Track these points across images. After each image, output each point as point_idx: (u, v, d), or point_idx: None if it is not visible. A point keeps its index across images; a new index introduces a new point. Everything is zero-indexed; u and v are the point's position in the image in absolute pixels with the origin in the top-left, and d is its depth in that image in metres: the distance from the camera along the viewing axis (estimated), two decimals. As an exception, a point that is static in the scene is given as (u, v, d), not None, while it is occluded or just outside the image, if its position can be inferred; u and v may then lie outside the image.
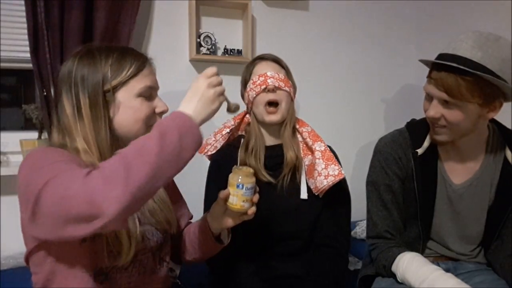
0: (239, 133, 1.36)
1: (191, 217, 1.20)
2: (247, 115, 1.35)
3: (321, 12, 1.98)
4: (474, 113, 1.05)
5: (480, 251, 1.25)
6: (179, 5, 1.74)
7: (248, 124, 1.34)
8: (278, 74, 1.24)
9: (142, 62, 0.92)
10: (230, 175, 0.94)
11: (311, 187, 1.23)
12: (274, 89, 1.22)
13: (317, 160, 1.20)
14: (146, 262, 0.95)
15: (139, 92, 0.90)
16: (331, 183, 1.17)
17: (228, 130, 1.31)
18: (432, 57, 1.12)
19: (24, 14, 1.43)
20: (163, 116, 0.92)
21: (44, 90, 1.46)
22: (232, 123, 1.33)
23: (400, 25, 2.11)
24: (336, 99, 2.02)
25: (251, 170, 0.94)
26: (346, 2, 2.02)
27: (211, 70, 0.84)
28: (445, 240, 1.23)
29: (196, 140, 0.76)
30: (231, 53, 1.80)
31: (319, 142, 1.25)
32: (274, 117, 1.23)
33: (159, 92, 0.98)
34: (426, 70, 1.19)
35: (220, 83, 0.84)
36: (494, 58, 1.01)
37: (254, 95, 1.24)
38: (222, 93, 0.84)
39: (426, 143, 1.19)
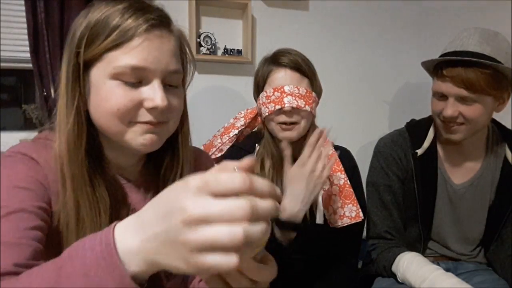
0: (250, 130, 1.20)
1: None
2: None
3: (321, 12, 1.98)
4: (491, 106, 1.07)
5: (480, 251, 1.25)
6: (179, 5, 1.74)
7: (264, 125, 1.15)
8: (299, 89, 1.03)
9: (134, 27, 0.61)
10: None
11: (326, 217, 1.11)
12: (291, 111, 1.03)
13: (333, 197, 1.08)
14: None
15: (114, 72, 0.62)
16: (345, 224, 1.06)
17: (236, 131, 1.15)
18: (432, 57, 1.12)
19: (24, 14, 1.43)
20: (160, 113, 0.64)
21: (44, 90, 1.46)
22: (242, 123, 1.16)
23: (400, 25, 2.11)
24: (336, 99, 2.02)
25: None
26: (346, 2, 2.01)
27: (230, 180, 0.36)
28: (446, 240, 1.23)
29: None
30: (231, 53, 1.79)
31: (338, 173, 1.09)
32: (289, 134, 1.06)
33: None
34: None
35: (254, 217, 0.35)
36: (500, 51, 1.04)
37: (266, 113, 1.05)
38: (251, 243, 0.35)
39: (426, 144, 1.19)
